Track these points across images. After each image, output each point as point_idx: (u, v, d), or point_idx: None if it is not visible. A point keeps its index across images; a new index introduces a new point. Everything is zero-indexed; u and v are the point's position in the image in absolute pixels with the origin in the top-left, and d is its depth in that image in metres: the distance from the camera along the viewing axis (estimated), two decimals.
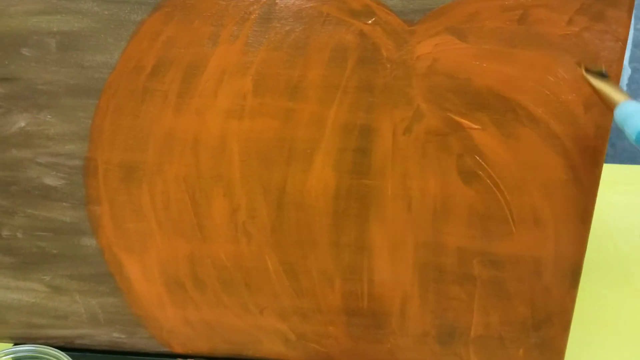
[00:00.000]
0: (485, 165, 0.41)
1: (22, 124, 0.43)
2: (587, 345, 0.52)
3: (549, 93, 0.38)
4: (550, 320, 0.45)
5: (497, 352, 0.47)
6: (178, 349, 0.50)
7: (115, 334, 0.49)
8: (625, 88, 1.45)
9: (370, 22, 0.38)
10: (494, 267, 0.43)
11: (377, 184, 0.42)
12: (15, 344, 0.50)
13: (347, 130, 0.41)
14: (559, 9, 0.37)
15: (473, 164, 0.41)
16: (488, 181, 0.41)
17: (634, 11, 0.37)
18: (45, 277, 0.48)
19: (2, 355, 0.45)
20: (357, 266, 0.45)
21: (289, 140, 0.42)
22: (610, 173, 0.75)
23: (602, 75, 0.37)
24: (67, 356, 0.44)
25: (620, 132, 0.35)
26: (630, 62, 1.47)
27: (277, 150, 0.42)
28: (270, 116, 0.41)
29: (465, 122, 0.40)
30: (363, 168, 0.42)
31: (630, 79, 1.50)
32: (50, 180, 0.45)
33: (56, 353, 0.44)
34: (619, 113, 0.34)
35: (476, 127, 0.40)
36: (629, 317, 0.55)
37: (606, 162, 0.41)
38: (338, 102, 0.40)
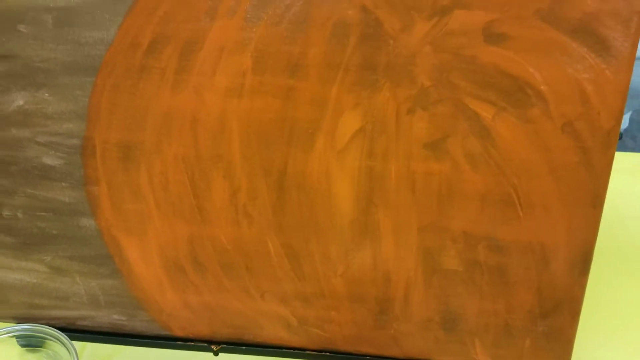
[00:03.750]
0: (491, 147, 0.39)
1: (21, 102, 0.43)
2: (596, 335, 0.50)
3: (557, 71, 0.36)
4: (558, 308, 0.44)
5: (503, 340, 0.45)
6: (178, 333, 0.49)
7: (116, 316, 0.49)
8: None
9: None
10: (500, 252, 0.42)
11: (381, 165, 0.41)
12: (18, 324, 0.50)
13: (349, 110, 0.40)
14: None
15: (479, 145, 0.39)
16: (494, 164, 0.40)
17: None
18: (45, 257, 0.47)
19: (3, 333, 0.45)
20: (360, 250, 0.44)
21: (289, 120, 0.40)
22: (629, 161, 0.72)
23: None
24: (65, 336, 0.43)
25: None
26: None
27: (278, 131, 0.41)
28: (271, 95, 0.40)
29: (471, 102, 0.38)
30: (366, 149, 0.41)
31: None
32: (49, 160, 0.44)
33: (54, 332, 0.44)
34: None
35: (484, 112, 0.38)
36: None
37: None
38: (340, 81, 0.39)
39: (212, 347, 0.49)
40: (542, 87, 0.37)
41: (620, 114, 0.38)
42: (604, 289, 0.54)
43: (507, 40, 0.36)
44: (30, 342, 0.46)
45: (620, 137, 1.54)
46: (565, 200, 0.40)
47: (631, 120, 1.64)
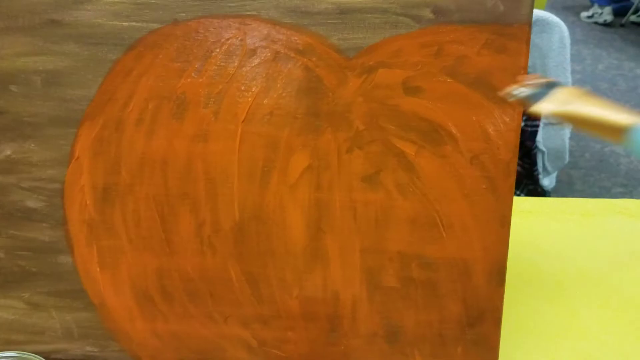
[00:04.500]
0: (416, 178, 0.47)
1: (9, 152, 0.48)
2: (519, 343, 0.58)
3: (463, 115, 0.46)
4: (482, 317, 0.51)
5: (438, 349, 0.52)
6: None
7: (89, 348, 0.53)
8: (567, 142, 1.52)
9: (313, 59, 0.45)
10: (430, 269, 0.49)
11: (327, 196, 0.48)
12: None
13: (299, 151, 0.47)
14: (468, 43, 0.44)
15: (406, 177, 0.47)
16: (419, 192, 0.48)
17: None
18: (24, 294, 0.51)
19: None
20: (311, 273, 0.50)
21: (247, 160, 0.48)
22: (553, 206, 0.83)
23: (550, 85, 0.31)
24: None
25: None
26: None
27: (237, 170, 0.48)
28: (231, 139, 0.47)
29: (397, 141, 0.46)
30: (313, 183, 0.48)
31: (573, 133, 1.60)
32: (31, 203, 0.49)
33: (36, 359, 0.47)
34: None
35: (408, 150, 0.47)
36: (557, 323, 0.61)
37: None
38: (289, 126, 0.47)
39: None
40: (452, 129, 0.46)
41: (516, 149, 0.47)
42: (527, 311, 0.62)
43: (422, 92, 0.46)
44: None
45: (549, 195, 1.66)
46: (478, 221, 0.48)
47: (558, 180, 1.78)
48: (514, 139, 0.46)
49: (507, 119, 0.46)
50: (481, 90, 0.45)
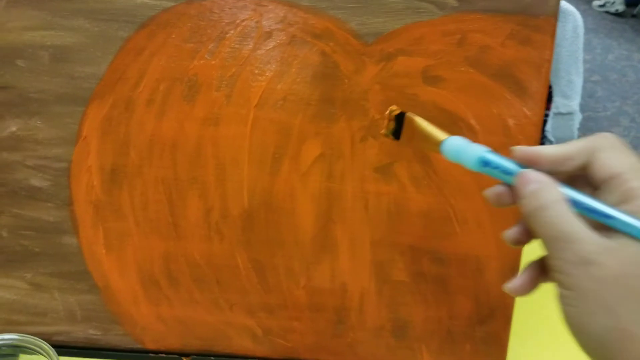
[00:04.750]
0: (432, 171, 0.46)
1: (14, 128, 0.47)
2: (527, 342, 0.57)
3: (484, 107, 0.44)
4: (493, 315, 0.50)
5: (446, 346, 0.51)
6: (150, 346, 0.53)
7: (91, 331, 0.52)
8: (575, 132, 1.53)
9: (330, 44, 0.44)
10: (441, 264, 0.48)
11: (338, 186, 0.47)
12: None
13: (311, 138, 0.46)
14: (492, 33, 0.43)
15: (421, 170, 0.46)
16: (434, 186, 0.46)
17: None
18: (26, 274, 0.51)
19: None
20: (320, 263, 0.49)
21: (258, 146, 0.46)
22: None
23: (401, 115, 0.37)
24: (49, 345, 0.46)
25: None
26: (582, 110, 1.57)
27: (248, 156, 0.47)
28: (242, 124, 0.46)
29: None
30: (325, 172, 0.47)
31: (581, 123, 1.60)
32: (36, 182, 0.48)
33: (39, 342, 0.46)
34: (449, 149, 0.36)
35: None
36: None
37: None
38: (303, 113, 0.45)
39: (183, 358, 0.52)
40: (471, 120, 0.45)
41: (536, 143, 0.45)
42: (535, 309, 0.61)
43: (442, 82, 0.44)
44: (5, 352, 0.48)
45: None
46: (494, 217, 0.47)
47: None
48: (535, 134, 0.45)
49: (529, 113, 0.45)
50: (504, 82, 0.44)
